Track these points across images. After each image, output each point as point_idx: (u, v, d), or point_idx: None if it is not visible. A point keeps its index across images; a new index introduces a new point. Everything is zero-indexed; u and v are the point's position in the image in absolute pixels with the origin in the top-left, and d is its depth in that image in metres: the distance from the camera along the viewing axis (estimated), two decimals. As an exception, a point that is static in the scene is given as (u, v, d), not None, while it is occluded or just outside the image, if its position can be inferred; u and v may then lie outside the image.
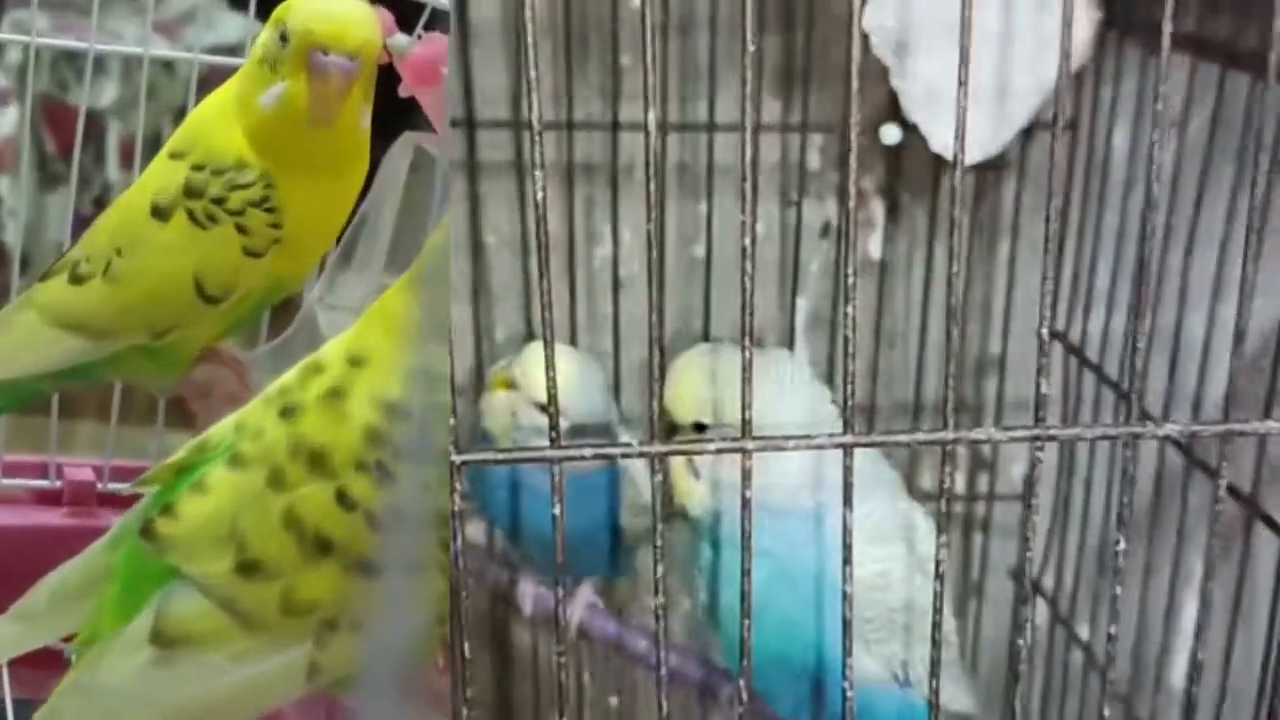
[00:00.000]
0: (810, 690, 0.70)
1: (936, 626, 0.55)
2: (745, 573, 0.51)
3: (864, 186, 1.07)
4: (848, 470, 0.52)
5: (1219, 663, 0.91)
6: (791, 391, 0.68)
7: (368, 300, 0.70)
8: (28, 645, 0.60)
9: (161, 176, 0.76)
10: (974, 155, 0.95)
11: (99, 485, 0.97)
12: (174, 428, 0.95)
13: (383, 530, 0.53)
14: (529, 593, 0.88)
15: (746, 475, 0.51)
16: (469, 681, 0.53)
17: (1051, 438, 0.53)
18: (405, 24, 0.77)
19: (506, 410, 0.80)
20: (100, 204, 1.35)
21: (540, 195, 0.48)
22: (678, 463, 0.66)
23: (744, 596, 0.51)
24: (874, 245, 1.08)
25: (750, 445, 0.50)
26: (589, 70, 1.03)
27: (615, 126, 1.02)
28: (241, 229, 0.74)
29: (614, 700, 1.21)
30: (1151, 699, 0.99)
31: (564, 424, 0.73)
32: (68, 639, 0.61)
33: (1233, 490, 0.84)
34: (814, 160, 1.06)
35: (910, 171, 1.06)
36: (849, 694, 0.53)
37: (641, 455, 0.51)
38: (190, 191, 0.75)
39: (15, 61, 1.16)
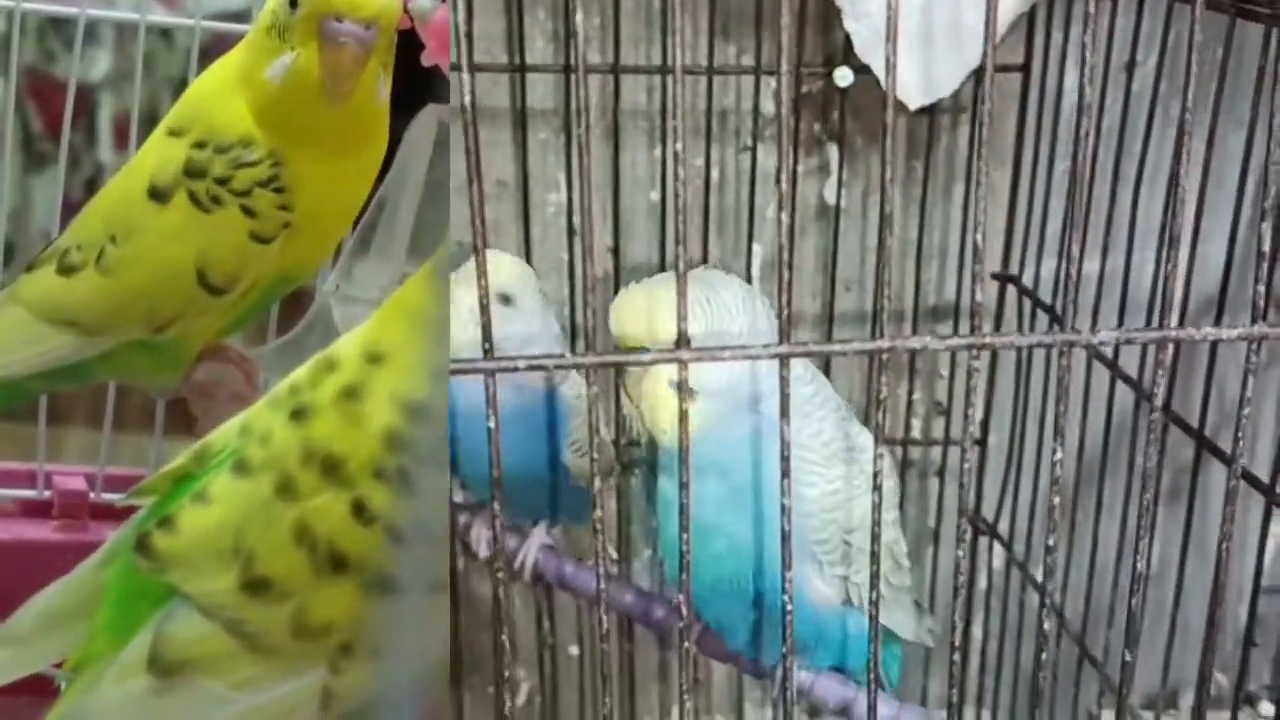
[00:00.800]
0: (761, 618, 0.70)
1: (875, 539, 0.55)
2: (683, 485, 0.51)
3: (817, 131, 1.07)
4: (784, 381, 0.52)
5: (1170, 600, 0.92)
6: (741, 311, 0.67)
7: (387, 291, 0.65)
8: (13, 673, 0.55)
9: (159, 155, 0.70)
10: (927, 96, 0.96)
11: (91, 495, 0.90)
12: (173, 433, 0.88)
13: (404, 544, 0.48)
14: (483, 536, 0.87)
15: (683, 385, 0.51)
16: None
17: (986, 345, 0.54)
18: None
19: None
20: (92, 187, 1.23)
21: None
22: (661, 389, 0.64)
23: (683, 509, 0.51)
24: (829, 190, 1.08)
25: (686, 355, 0.49)
26: (539, 13, 1.03)
27: (568, 69, 1.01)
28: (248, 211, 0.68)
29: (574, 650, 1.21)
30: (1106, 638, 1.00)
31: (512, 328, 0.70)
32: (57, 665, 0.56)
33: (1179, 421, 0.85)
34: (768, 104, 1.06)
35: (864, 114, 1.05)
36: (789, 608, 0.53)
37: (576, 366, 0.50)
38: (191, 171, 0.69)
39: None
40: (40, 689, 0.54)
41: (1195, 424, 0.85)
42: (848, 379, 1.11)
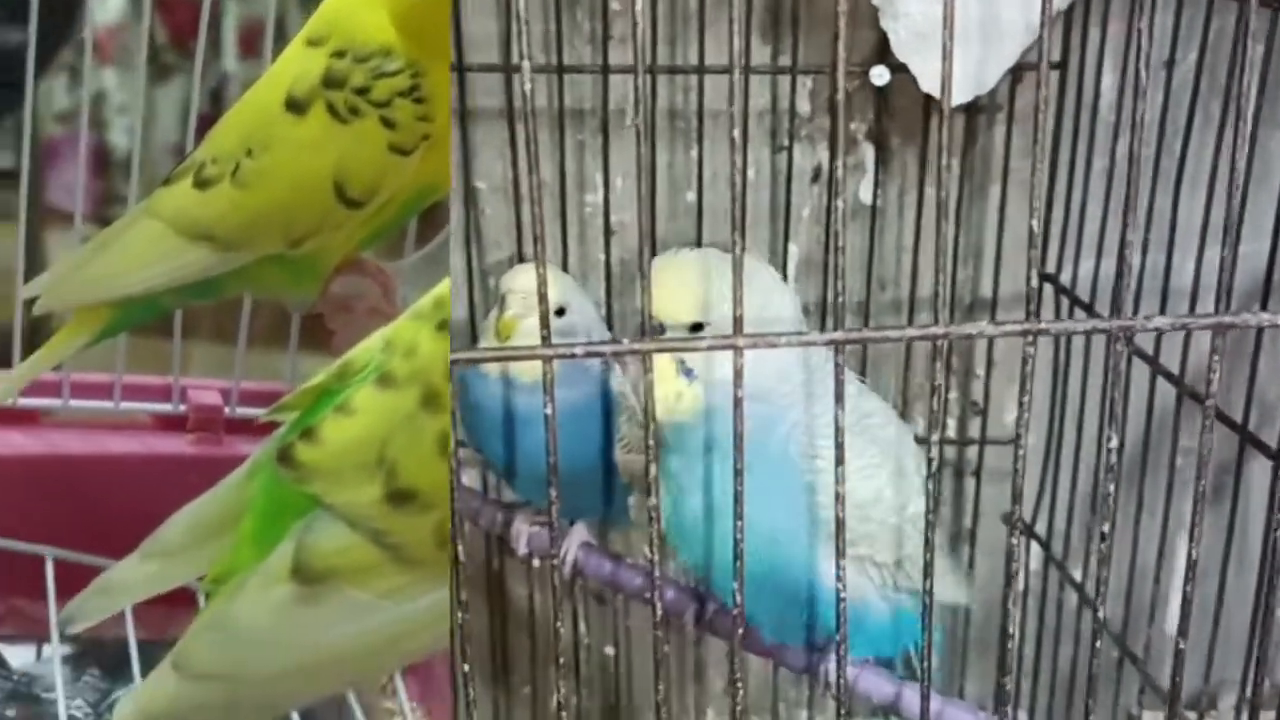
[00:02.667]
0: (796, 610, 0.70)
1: (930, 526, 0.55)
2: (737, 473, 0.51)
3: (854, 130, 1.07)
4: (839, 368, 0.53)
5: (1212, 601, 0.92)
6: (777, 295, 0.68)
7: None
8: (163, 585, 0.56)
9: (297, 66, 0.68)
10: (964, 94, 0.96)
11: (226, 410, 0.89)
12: (308, 348, 0.88)
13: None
14: (523, 531, 0.88)
15: (739, 374, 0.51)
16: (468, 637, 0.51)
17: (1043, 331, 0.54)
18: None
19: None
20: (217, 97, 1.26)
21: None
22: (666, 367, 0.64)
23: (737, 498, 0.51)
24: (864, 189, 1.08)
25: (741, 342, 0.50)
26: (578, 14, 1.03)
27: (605, 70, 1.01)
28: (387, 122, 0.66)
29: (609, 650, 1.21)
30: (1147, 636, 0.99)
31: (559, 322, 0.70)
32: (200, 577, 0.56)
33: (1222, 415, 0.85)
34: (804, 104, 1.06)
35: (900, 114, 1.06)
36: (843, 597, 0.53)
37: (633, 352, 0.50)
38: (330, 81, 0.67)
39: None
40: (187, 600, 0.55)
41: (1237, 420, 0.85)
42: (883, 375, 1.11)
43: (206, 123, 0.74)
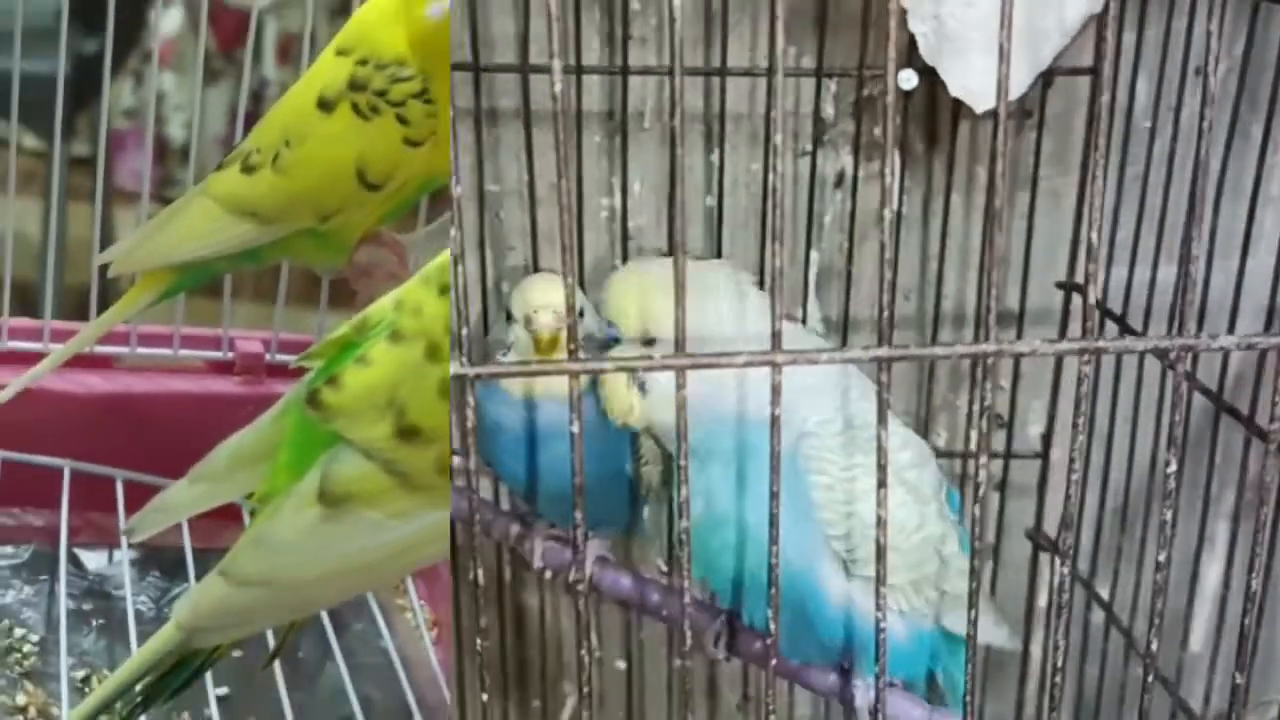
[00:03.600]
0: (803, 627, 0.68)
1: (976, 554, 0.53)
2: (774, 495, 0.48)
3: (878, 135, 1.04)
4: (882, 386, 0.50)
5: (1236, 623, 0.89)
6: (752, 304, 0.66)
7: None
8: (209, 504, 0.66)
9: (328, 71, 0.81)
10: (992, 100, 0.93)
11: (267, 356, 1.07)
12: (335, 306, 1.02)
13: None
14: (538, 545, 0.85)
15: (777, 391, 0.48)
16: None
17: (1102, 350, 0.51)
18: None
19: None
20: (257, 98, 1.49)
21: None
22: (617, 377, 0.65)
23: (773, 520, 0.49)
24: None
25: (780, 358, 0.47)
26: (596, 13, 1.00)
27: (625, 71, 0.99)
28: (402, 119, 0.80)
29: (621, 664, 1.19)
30: (1177, 658, 0.97)
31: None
32: (247, 496, 0.67)
33: (1248, 422, 0.82)
34: (829, 108, 1.03)
35: (927, 119, 1.03)
36: (881, 625, 0.51)
37: (665, 367, 0.49)
38: (355, 84, 0.80)
39: None
40: (233, 515, 0.68)
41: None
42: (901, 387, 1.08)
43: (250, 119, 0.89)
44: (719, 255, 1.03)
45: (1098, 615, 1.04)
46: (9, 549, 0.98)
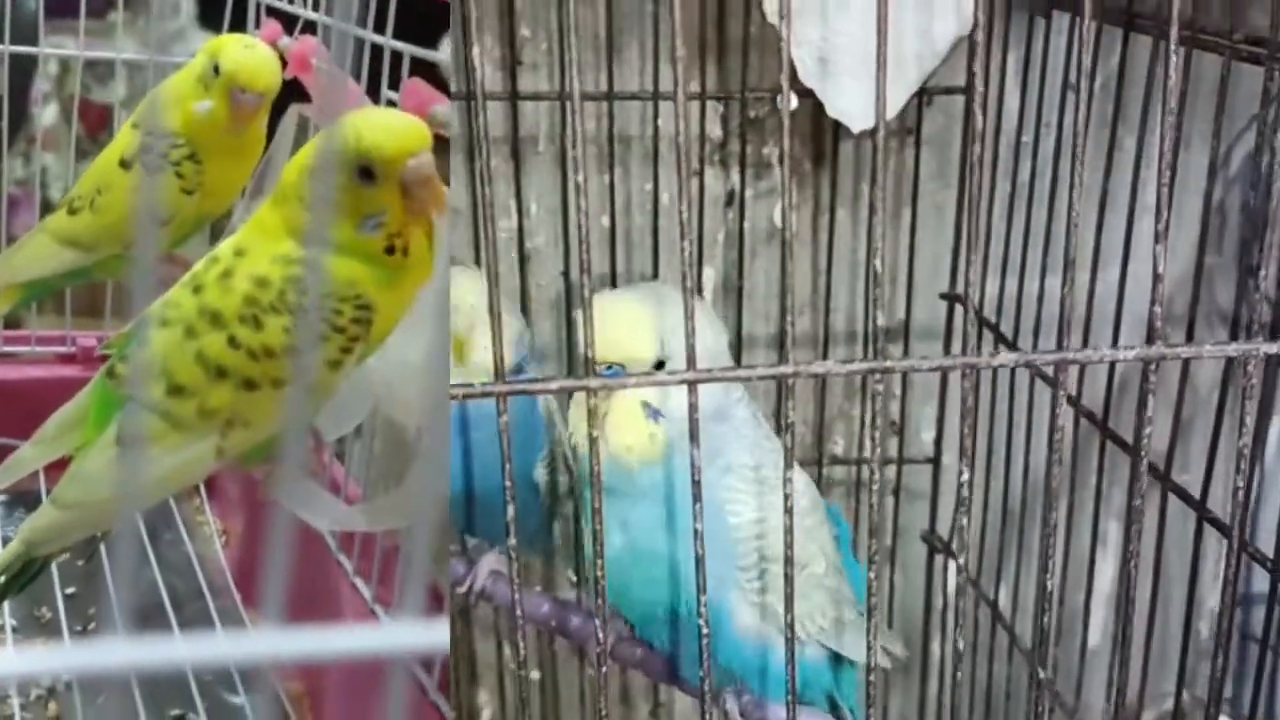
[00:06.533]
0: (686, 637, 0.71)
1: (874, 560, 0.55)
2: (595, 512, 0.51)
3: (766, 154, 1.08)
4: (692, 407, 0.52)
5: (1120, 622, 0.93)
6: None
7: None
8: (47, 459, 0.86)
9: (126, 140, 1.08)
10: (868, 119, 0.97)
11: (99, 349, 1.32)
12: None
13: (259, 361, 0.77)
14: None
15: (592, 413, 0.51)
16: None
17: (888, 369, 0.54)
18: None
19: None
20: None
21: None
22: (633, 410, 0.67)
23: (596, 535, 0.52)
24: (777, 214, 1.09)
25: (593, 383, 0.50)
26: (487, 40, 1.03)
27: (515, 97, 1.02)
28: (179, 175, 1.03)
29: (536, 674, 1.21)
30: (1064, 658, 1.00)
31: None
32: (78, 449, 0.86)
33: (1115, 437, 0.86)
34: (715, 129, 1.06)
35: (809, 139, 1.06)
36: (704, 632, 0.54)
37: (583, 389, 0.53)
38: (144, 149, 1.04)
39: (54, 71, 1.64)
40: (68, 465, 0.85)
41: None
42: (797, 400, 1.11)
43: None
44: (613, 270, 1.06)
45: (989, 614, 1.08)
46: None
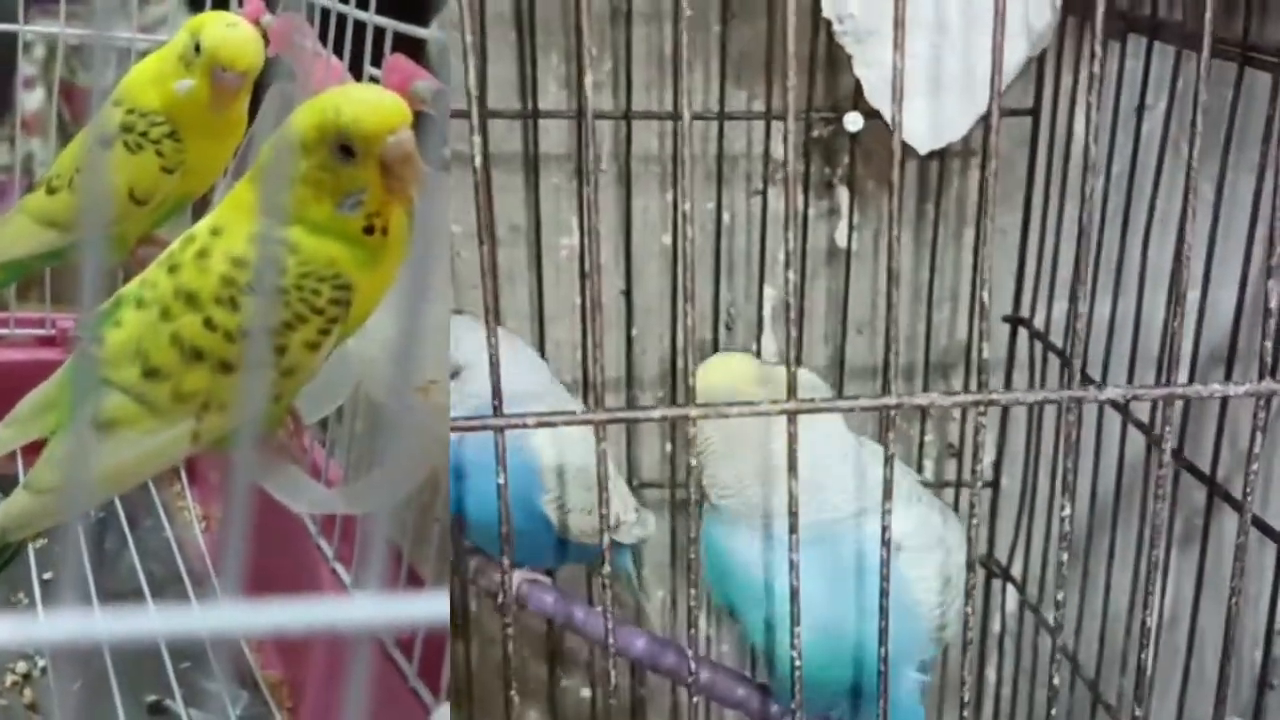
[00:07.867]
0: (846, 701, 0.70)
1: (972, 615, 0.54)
2: (689, 562, 0.51)
3: (829, 174, 1.07)
4: (791, 437, 0.52)
5: (1184, 645, 0.92)
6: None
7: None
8: (21, 441, 0.83)
9: (106, 117, 1.02)
10: (936, 141, 0.96)
11: (73, 331, 1.32)
12: None
13: (235, 343, 0.75)
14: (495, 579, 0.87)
15: (690, 442, 0.51)
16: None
17: (993, 402, 0.54)
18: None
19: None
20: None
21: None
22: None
23: (695, 577, 0.51)
24: (840, 233, 1.08)
25: (694, 412, 0.49)
26: (553, 58, 1.03)
27: (580, 114, 1.02)
28: (160, 153, 1.01)
29: (585, 693, 1.21)
30: (1119, 684, 0.99)
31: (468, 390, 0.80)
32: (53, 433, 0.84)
33: (1191, 468, 0.85)
34: (778, 149, 1.06)
35: (875, 159, 1.06)
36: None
37: (585, 422, 0.51)
38: (125, 128, 1.01)
39: (40, 55, 1.57)
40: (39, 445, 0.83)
41: (1207, 470, 0.85)
42: (859, 422, 1.10)
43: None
44: (673, 290, 1.06)
45: (1049, 640, 1.07)
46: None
